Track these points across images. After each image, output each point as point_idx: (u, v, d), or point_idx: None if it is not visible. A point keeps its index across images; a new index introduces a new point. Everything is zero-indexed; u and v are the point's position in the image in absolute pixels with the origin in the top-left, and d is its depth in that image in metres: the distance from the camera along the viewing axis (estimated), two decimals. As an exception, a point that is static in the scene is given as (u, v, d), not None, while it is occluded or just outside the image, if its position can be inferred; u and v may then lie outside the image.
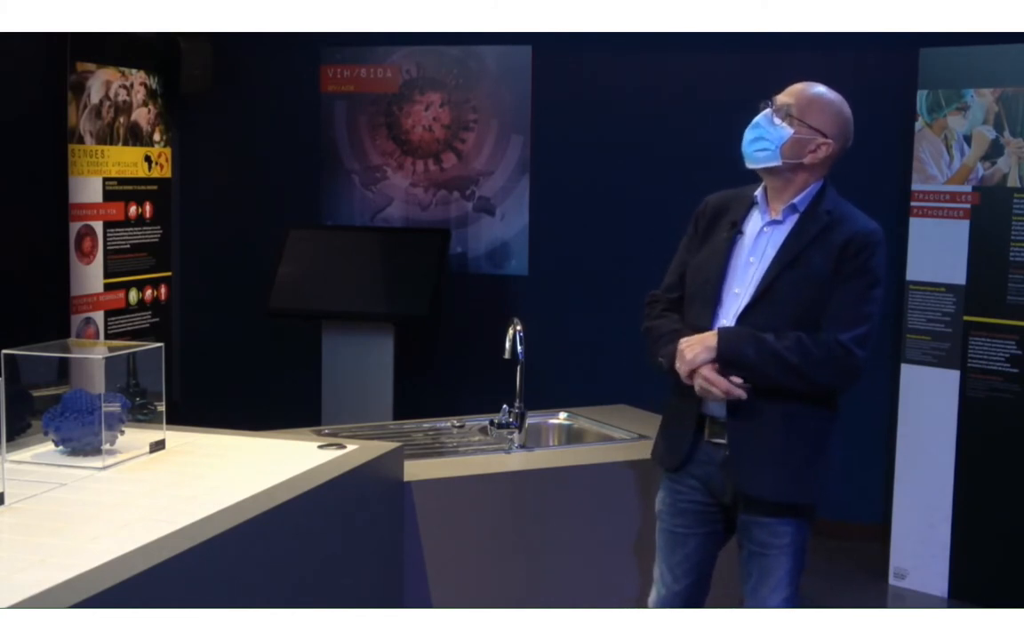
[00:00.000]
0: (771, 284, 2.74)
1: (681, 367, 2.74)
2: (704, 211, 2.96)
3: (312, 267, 5.63)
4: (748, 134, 2.82)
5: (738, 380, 2.68)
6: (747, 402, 2.69)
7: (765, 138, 2.78)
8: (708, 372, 2.69)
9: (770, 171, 2.81)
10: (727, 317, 2.77)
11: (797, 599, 2.79)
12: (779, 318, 2.71)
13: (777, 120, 2.77)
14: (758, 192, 2.87)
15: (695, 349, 2.72)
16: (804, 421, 2.74)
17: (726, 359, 2.69)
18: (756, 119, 2.81)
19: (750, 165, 2.83)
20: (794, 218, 2.79)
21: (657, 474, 3.02)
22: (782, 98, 2.81)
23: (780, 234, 2.79)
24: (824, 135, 2.77)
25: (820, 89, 2.83)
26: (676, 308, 2.92)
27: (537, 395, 3.86)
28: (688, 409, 2.82)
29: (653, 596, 2.98)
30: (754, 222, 2.84)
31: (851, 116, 2.83)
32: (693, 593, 2.91)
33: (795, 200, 2.79)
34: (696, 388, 2.73)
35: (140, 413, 2.98)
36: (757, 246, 2.81)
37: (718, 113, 5.26)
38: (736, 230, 2.84)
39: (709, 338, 2.72)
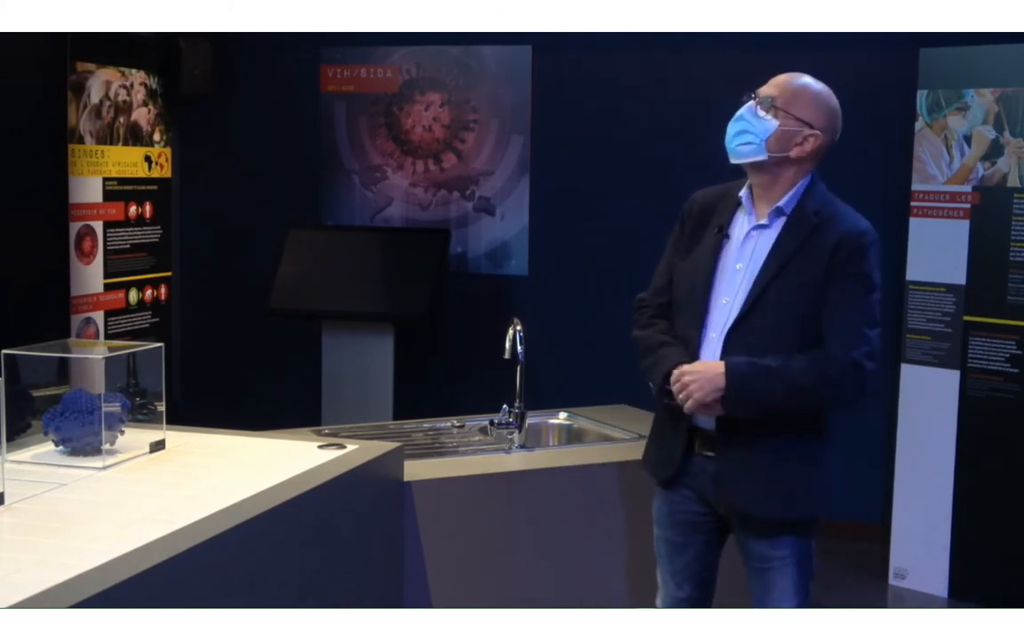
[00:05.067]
0: (761, 294, 2.65)
1: (686, 401, 2.64)
2: (691, 210, 2.87)
3: (312, 267, 5.64)
4: (731, 128, 2.72)
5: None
6: (737, 420, 2.65)
7: (749, 131, 2.68)
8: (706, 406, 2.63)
9: (756, 166, 2.71)
10: (716, 329, 2.70)
11: (807, 606, 2.75)
12: (770, 329, 2.64)
13: (761, 112, 2.68)
14: (743, 192, 2.77)
15: (705, 389, 2.61)
16: (794, 435, 2.68)
17: (735, 399, 2.60)
18: (739, 112, 2.72)
19: (734, 160, 2.73)
20: (781, 222, 2.71)
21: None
22: (766, 90, 2.72)
23: (767, 240, 2.70)
24: (811, 127, 2.67)
25: (806, 80, 2.73)
26: (664, 314, 2.85)
27: (537, 395, 3.86)
28: (678, 423, 2.77)
29: (660, 597, 2.95)
30: (740, 225, 2.76)
31: (839, 108, 2.73)
32: (697, 598, 2.87)
33: (781, 202, 2.70)
34: (686, 409, 2.67)
35: (140, 413, 2.98)
36: (744, 252, 2.72)
37: (718, 113, 5.25)
38: (722, 234, 2.76)
39: (717, 377, 2.60)
